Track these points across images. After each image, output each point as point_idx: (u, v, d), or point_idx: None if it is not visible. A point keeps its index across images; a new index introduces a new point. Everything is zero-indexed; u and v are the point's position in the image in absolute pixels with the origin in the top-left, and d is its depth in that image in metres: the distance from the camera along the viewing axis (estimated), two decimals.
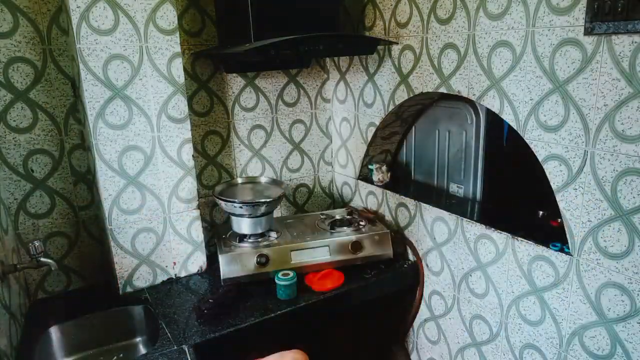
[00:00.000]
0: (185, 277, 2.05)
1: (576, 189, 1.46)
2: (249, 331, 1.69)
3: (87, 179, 1.99)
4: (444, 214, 1.93)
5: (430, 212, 2.00)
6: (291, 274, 1.83)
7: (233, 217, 2.01)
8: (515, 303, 1.71)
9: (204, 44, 2.11)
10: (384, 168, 2.34)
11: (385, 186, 2.29)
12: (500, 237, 1.71)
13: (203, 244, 2.06)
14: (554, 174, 1.52)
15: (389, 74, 2.10)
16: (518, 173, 1.87)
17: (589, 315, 1.48)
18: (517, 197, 1.91)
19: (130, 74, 1.75)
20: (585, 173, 1.43)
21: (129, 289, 1.93)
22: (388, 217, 2.26)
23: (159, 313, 1.78)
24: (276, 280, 1.82)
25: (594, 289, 1.45)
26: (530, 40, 1.50)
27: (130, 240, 1.88)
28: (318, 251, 1.98)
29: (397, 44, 2.01)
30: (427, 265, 2.08)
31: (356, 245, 2.01)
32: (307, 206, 2.62)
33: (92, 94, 1.70)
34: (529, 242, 1.62)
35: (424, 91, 1.94)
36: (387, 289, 2.02)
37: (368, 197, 2.39)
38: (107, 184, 1.80)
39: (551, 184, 1.53)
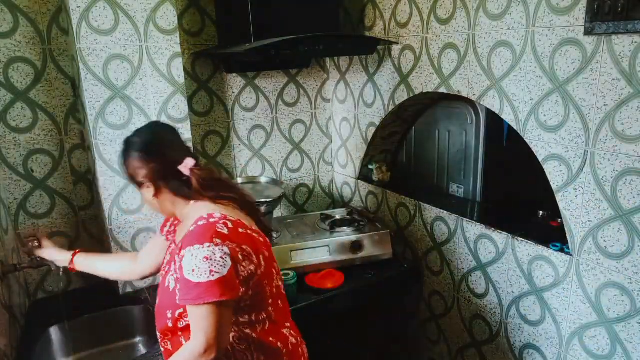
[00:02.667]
0: None
1: (576, 189, 1.46)
2: None
3: (87, 179, 1.99)
4: (444, 213, 1.93)
5: (430, 212, 2.00)
6: (291, 274, 1.83)
7: None
8: (515, 303, 1.71)
9: (204, 44, 2.11)
10: (384, 168, 2.35)
11: (385, 186, 2.29)
12: (500, 237, 1.71)
13: None
14: (554, 174, 1.52)
15: (389, 74, 2.10)
16: (518, 173, 1.87)
17: (589, 315, 1.48)
18: (517, 197, 1.91)
19: (130, 74, 1.75)
20: (585, 173, 1.43)
21: (129, 289, 1.93)
22: (388, 217, 2.26)
23: None
24: None
25: (594, 289, 1.45)
26: (530, 40, 1.50)
27: (130, 240, 1.88)
28: (318, 251, 1.98)
29: (397, 44, 2.01)
30: (427, 265, 2.08)
31: (356, 245, 2.01)
32: (307, 206, 2.62)
33: (92, 94, 1.70)
34: (529, 242, 1.62)
35: (424, 91, 1.94)
36: (387, 289, 2.02)
37: (368, 197, 2.39)
38: (107, 184, 1.80)
39: (551, 184, 1.53)
